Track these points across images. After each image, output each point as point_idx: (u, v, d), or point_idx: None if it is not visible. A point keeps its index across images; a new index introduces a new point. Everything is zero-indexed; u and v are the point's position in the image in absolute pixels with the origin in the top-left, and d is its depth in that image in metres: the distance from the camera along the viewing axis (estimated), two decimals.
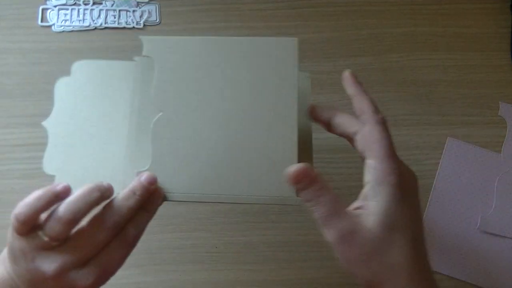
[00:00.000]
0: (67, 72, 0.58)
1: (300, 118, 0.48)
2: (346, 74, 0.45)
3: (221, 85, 0.47)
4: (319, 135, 0.56)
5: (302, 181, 0.40)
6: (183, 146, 0.46)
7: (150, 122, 0.47)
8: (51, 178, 0.47)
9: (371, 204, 0.39)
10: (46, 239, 0.38)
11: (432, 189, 0.54)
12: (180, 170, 0.46)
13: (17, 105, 0.57)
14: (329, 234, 0.38)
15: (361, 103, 0.43)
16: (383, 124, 0.42)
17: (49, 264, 0.38)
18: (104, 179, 0.43)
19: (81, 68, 0.52)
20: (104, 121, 0.49)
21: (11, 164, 0.55)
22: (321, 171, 0.54)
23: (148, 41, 0.48)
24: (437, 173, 0.55)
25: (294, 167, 0.40)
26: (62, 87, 0.51)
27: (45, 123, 0.50)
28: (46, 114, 0.56)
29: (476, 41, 0.60)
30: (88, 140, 0.49)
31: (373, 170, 0.40)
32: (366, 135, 0.41)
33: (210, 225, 0.53)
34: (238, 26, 0.60)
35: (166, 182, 0.45)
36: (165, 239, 0.52)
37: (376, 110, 0.42)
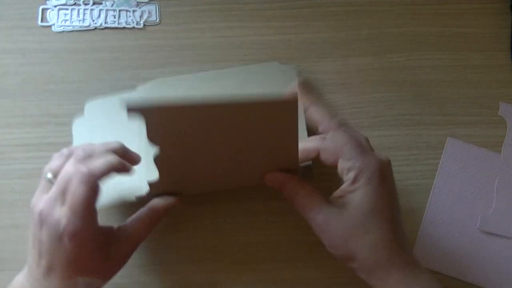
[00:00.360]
0: (67, 72, 0.58)
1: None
2: (296, 86, 0.48)
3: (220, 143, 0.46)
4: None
5: (275, 186, 0.46)
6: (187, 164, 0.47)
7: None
8: None
9: (350, 194, 0.43)
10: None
11: (432, 189, 0.54)
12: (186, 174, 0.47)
13: (17, 105, 0.57)
14: (312, 226, 0.44)
15: (315, 114, 0.47)
16: (344, 125, 0.45)
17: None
18: None
19: (92, 108, 0.55)
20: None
21: (11, 164, 0.55)
22: (321, 171, 0.55)
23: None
24: (437, 173, 0.55)
25: (267, 176, 0.46)
26: (79, 128, 0.54)
27: None
28: (46, 114, 0.56)
29: (476, 41, 0.60)
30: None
31: (349, 170, 0.44)
32: (330, 144, 0.45)
33: (210, 225, 0.53)
34: (238, 26, 0.60)
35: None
36: (165, 239, 0.52)
37: (332, 115, 0.46)
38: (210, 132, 0.43)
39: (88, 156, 0.44)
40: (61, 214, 0.41)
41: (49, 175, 0.44)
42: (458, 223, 0.53)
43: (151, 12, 0.61)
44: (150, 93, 0.55)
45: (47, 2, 0.60)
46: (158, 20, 0.60)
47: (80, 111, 0.56)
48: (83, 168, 0.42)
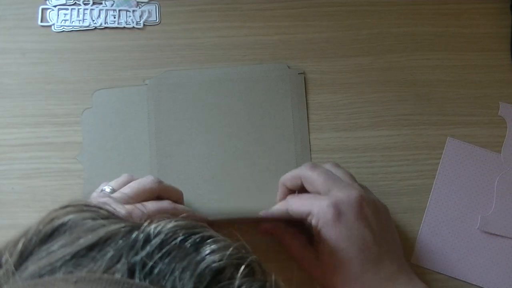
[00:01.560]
0: (67, 72, 0.58)
1: (295, 126, 0.51)
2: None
3: (220, 121, 0.49)
4: (318, 135, 0.56)
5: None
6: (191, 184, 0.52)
7: (167, 146, 0.51)
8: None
9: (318, 239, 0.47)
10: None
11: (432, 189, 0.54)
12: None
13: (17, 105, 0.57)
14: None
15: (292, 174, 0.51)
16: (291, 198, 0.50)
17: None
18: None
19: (101, 97, 0.57)
20: (128, 148, 0.54)
21: (11, 164, 0.55)
22: None
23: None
24: (437, 173, 0.55)
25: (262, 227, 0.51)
26: (87, 119, 0.56)
27: (79, 158, 0.54)
28: (45, 114, 0.56)
29: (476, 41, 0.60)
30: (117, 169, 0.54)
31: (310, 219, 0.47)
32: (307, 182, 0.49)
33: (209, 225, 0.53)
34: (238, 26, 0.60)
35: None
36: None
37: (282, 190, 0.51)
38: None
39: None
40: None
41: (109, 188, 0.48)
42: (458, 223, 0.53)
43: (151, 12, 0.61)
44: (161, 89, 0.57)
45: (47, 2, 0.60)
46: (158, 20, 0.60)
47: (79, 109, 0.56)
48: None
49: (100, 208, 0.28)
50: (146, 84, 0.57)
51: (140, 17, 0.60)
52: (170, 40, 0.59)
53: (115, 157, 0.55)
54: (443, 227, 0.53)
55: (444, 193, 0.54)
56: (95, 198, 0.47)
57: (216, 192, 0.53)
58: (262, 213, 0.51)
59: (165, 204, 0.47)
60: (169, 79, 0.57)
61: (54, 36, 0.59)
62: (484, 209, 0.54)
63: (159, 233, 0.26)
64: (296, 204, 0.48)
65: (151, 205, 0.46)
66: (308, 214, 0.47)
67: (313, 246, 0.48)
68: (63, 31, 0.60)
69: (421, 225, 0.53)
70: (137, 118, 0.56)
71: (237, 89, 0.57)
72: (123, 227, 0.26)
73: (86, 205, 0.28)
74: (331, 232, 0.45)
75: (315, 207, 0.46)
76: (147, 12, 0.61)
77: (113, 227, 0.26)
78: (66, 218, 0.27)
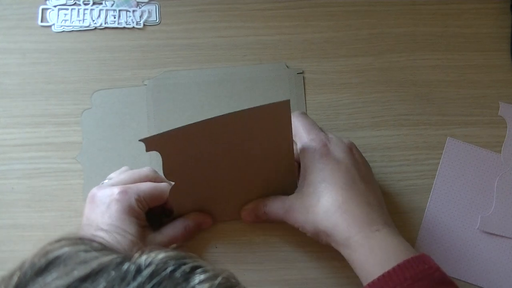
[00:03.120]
0: (67, 72, 0.58)
1: None
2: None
3: (224, 158, 0.50)
4: None
5: (253, 220, 0.51)
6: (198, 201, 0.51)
7: None
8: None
9: (302, 175, 0.47)
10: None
11: (432, 189, 0.54)
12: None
13: (17, 105, 0.57)
14: (286, 220, 0.48)
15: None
16: (297, 115, 0.50)
17: None
18: None
19: (100, 98, 0.57)
20: (128, 149, 0.53)
21: (11, 164, 0.55)
22: None
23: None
24: (437, 173, 0.55)
25: (242, 216, 0.51)
26: (87, 119, 0.56)
27: (79, 158, 0.54)
28: (45, 114, 0.56)
29: (476, 41, 0.60)
30: (117, 169, 0.53)
31: (299, 148, 0.48)
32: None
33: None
34: (238, 26, 0.60)
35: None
36: None
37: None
38: (216, 147, 0.46)
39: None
40: (114, 189, 0.46)
41: (107, 181, 0.49)
42: (458, 223, 0.53)
43: (151, 12, 0.61)
44: (160, 89, 0.57)
45: (47, 2, 0.60)
46: (158, 20, 0.60)
47: (79, 109, 0.56)
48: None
49: (93, 240, 0.29)
50: (145, 85, 0.57)
51: (140, 17, 0.60)
52: (170, 40, 0.59)
53: (115, 158, 0.55)
54: (443, 227, 0.53)
55: (444, 193, 0.54)
56: (99, 186, 0.48)
57: (213, 190, 0.52)
58: None
59: (147, 171, 0.49)
60: (168, 80, 0.57)
61: (54, 36, 0.59)
62: (484, 209, 0.54)
63: (150, 264, 0.26)
64: (297, 123, 0.49)
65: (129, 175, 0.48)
66: (299, 139, 0.48)
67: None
68: (63, 31, 0.60)
69: (421, 225, 0.53)
70: (137, 119, 0.56)
71: (236, 89, 0.57)
72: (115, 258, 0.27)
73: (79, 238, 0.29)
74: (318, 165, 0.46)
75: (306, 139, 0.48)
76: (147, 12, 0.61)
77: (105, 258, 0.27)
78: (60, 251, 0.27)
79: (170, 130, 0.43)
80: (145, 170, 0.50)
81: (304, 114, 0.51)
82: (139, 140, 0.43)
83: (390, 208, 0.52)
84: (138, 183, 0.48)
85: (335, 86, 0.58)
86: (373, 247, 0.42)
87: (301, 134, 0.49)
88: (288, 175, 0.50)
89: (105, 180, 0.50)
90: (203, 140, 0.45)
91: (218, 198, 0.51)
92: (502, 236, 0.53)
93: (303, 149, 0.48)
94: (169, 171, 0.46)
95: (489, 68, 0.59)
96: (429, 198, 0.54)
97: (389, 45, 0.60)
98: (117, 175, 0.50)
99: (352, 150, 0.48)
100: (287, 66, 0.58)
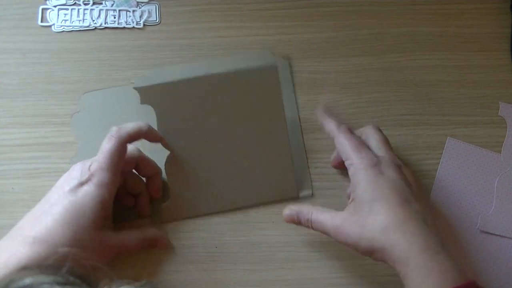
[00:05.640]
0: (67, 72, 0.58)
1: (286, 107, 0.53)
2: (319, 111, 0.53)
3: (217, 119, 0.51)
4: (318, 135, 0.56)
5: (293, 222, 0.50)
6: (194, 178, 0.53)
7: (155, 148, 0.52)
8: None
9: (354, 192, 0.46)
10: None
11: (432, 189, 0.54)
12: (196, 196, 0.53)
13: (17, 105, 0.57)
14: (333, 236, 0.46)
15: (326, 126, 0.51)
16: (344, 132, 0.49)
17: None
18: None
19: (88, 100, 0.57)
20: None
21: (11, 164, 0.55)
22: (321, 171, 0.55)
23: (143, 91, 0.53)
24: (437, 173, 0.55)
25: (284, 215, 0.50)
26: (77, 123, 0.56)
27: (72, 162, 0.53)
28: (45, 114, 0.56)
29: (476, 41, 0.60)
30: None
31: (348, 167, 0.48)
32: (338, 148, 0.50)
33: (210, 225, 0.53)
34: (238, 26, 0.60)
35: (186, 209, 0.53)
36: None
37: (337, 124, 0.50)
38: (207, 108, 0.50)
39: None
40: (87, 167, 0.46)
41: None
42: (458, 223, 0.53)
43: (151, 12, 0.61)
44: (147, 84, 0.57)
45: (47, 2, 0.60)
46: (158, 20, 0.60)
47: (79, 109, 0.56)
48: (112, 130, 0.47)
49: (57, 272, 0.28)
50: (133, 83, 0.56)
51: (140, 17, 0.60)
52: (170, 40, 0.59)
53: None
54: (443, 227, 0.53)
55: (444, 193, 0.54)
56: (77, 165, 0.48)
57: (210, 183, 0.53)
58: (321, 110, 0.52)
59: (142, 124, 0.49)
60: (156, 77, 0.56)
61: (54, 36, 0.59)
62: (484, 209, 0.54)
63: None
64: (344, 141, 0.48)
65: (130, 125, 0.48)
66: (348, 158, 0.48)
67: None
68: (63, 31, 0.60)
69: None
70: (127, 117, 0.55)
71: (224, 80, 0.56)
72: None
73: (42, 266, 0.28)
74: (372, 183, 0.45)
75: (357, 158, 0.47)
76: (147, 12, 0.61)
77: None
78: (21, 283, 0.26)
79: (163, 83, 0.48)
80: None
81: (349, 131, 0.50)
82: (133, 88, 0.46)
83: None
84: (124, 125, 0.48)
85: (335, 86, 0.58)
86: (432, 269, 0.42)
87: (349, 153, 0.48)
88: (283, 148, 0.52)
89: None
90: (194, 98, 0.48)
91: (213, 177, 0.52)
92: (502, 236, 0.53)
93: (354, 168, 0.47)
94: (163, 127, 0.48)
95: (489, 68, 0.59)
96: (429, 198, 0.54)
97: (389, 45, 0.60)
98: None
99: (402, 170, 0.47)
100: (272, 53, 0.58)
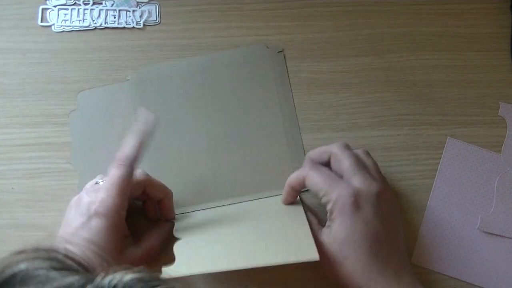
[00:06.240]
0: (67, 72, 0.58)
1: (281, 103, 0.53)
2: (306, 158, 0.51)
3: (207, 108, 0.52)
4: (318, 135, 0.56)
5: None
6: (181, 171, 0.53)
7: (157, 139, 0.53)
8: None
9: (330, 226, 0.46)
10: None
11: (432, 189, 0.54)
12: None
13: (17, 105, 0.57)
14: None
15: (294, 178, 0.49)
16: (311, 169, 0.48)
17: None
18: None
19: (85, 98, 0.57)
20: (118, 145, 0.54)
21: (11, 164, 0.55)
22: None
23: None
24: (437, 173, 0.55)
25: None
26: (74, 121, 0.56)
27: (71, 160, 0.54)
28: (45, 114, 0.56)
29: (476, 41, 0.60)
30: (109, 165, 0.53)
31: (325, 203, 0.46)
32: (310, 187, 0.48)
33: None
34: (238, 26, 0.60)
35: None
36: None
37: (298, 171, 0.49)
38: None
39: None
40: (96, 196, 0.45)
41: (101, 181, 0.48)
42: (458, 223, 0.53)
43: (151, 12, 0.61)
44: (143, 83, 0.57)
45: (47, 2, 0.60)
46: (158, 20, 0.60)
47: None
48: (119, 156, 0.46)
49: (54, 255, 0.27)
50: (128, 80, 0.57)
51: (140, 17, 0.60)
52: (170, 40, 0.59)
53: (106, 156, 0.54)
54: (443, 227, 0.53)
55: (444, 193, 0.54)
56: (88, 190, 0.47)
57: (208, 179, 0.53)
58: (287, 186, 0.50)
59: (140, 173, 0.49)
60: (151, 73, 0.57)
61: (54, 36, 0.59)
62: (484, 209, 0.54)
63: (114, 287, 0.25)
64: (317, 179, 0.47)
65: (134, 149, 0.47)
66: (325, 194, 0.46)
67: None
68: (63, 31, 0.60)
69: (421, 225, 0.53)
70: (124, 114, 0.56)
71: (220, 75, 0.57)
72: (76, 280, 0.25)
73: (42, 250, 0.27)
74: (346, 222, 0.44)
75: (334, 193, 0.45)
76: (147, 12, 0.61)
77: (66, 280, 0.25)
78: (16, 268, 0.26)
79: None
80: (136, 175, 0.48)
81: (315, 167, 0.48)
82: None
83: None
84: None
85: (335, 86, 0.58)
86: None
87: (325, 188, 0.46)
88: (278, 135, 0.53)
89: (99, 179, 0.49)
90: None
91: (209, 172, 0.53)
92: (502, 236, 0.53)
93: (332, 204, 0.46)
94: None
95: (489, 68, 0.59)
96: (429, 198, 0.54)
97: (389, 45, 0.60)
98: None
99: (381, 199, 0.46)
100: (267, 47, 0.58)
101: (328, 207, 0.46)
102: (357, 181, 0.46)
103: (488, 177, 0.55)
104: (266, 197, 0.52)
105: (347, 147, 0.49)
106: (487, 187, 0.54)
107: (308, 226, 0.46)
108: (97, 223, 0.43)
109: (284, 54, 0.59)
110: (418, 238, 0.53)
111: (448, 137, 0.56)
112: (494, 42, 0.60)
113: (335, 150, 0.48)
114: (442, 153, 0.56)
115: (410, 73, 0.59)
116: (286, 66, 0.58)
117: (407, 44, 0.60)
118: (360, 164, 0.47)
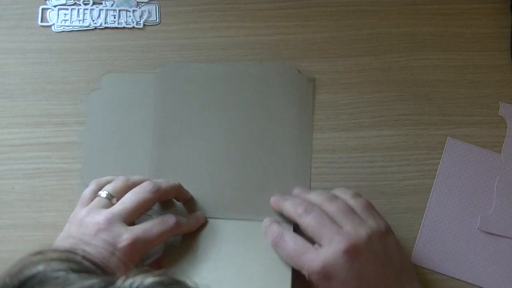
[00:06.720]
0: (67, 72, 0.58)
1: (300, 130, 0.52)
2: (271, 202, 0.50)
3: (224, 117, 0.55)
4: (319, 135, 0.56)
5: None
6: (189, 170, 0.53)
7: (171, 136, 0.52)
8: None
9: (322, 249, 0.43)
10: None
11: (432, 189, 0.54)
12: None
13: (17, 105, 0.57)
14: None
15: (285, 211, 0.48)
16: (306, 212, 0.45)
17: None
18: None
19: (110, 81, 0.57)
20: (131, 134, 0.54)
21: (11, 164, 0.55)
22: (321, 171, 0.55)
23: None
24: (437, 173, 0.55)
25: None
26: (94, 100, 0.56)
27: (81, 137, 0.55)
28: (45, 114, 0.56)
29: (476, 41, 0.60)
30: (118, 153, 0.54)
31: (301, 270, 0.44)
32: (305, 231, 0.46)
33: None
34: (238, 26, 0.60)
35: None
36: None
37: (294, 205, 0.47)
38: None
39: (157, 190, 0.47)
40: (123, 230, 0.43)
41: (106, 194, 0.46)
42: (458, 223, 0.53)
43: (151, 12, 0.61)
44: (169, 79, 0.57)
45: (47, 2, 0.60)
46: (158, 20, 0.60)
47: (79, 109, 0.56)
48: (151, 184, 0.46)
49: (72, 257, 0.27)
50: (156, 73, 0.57)
51: (140, 17, 0.60)
52: (170, 40, 0.59)
53: (117, 141, 0.55)
54: (443, 227, 0.53)
55: (444, 193, 0.54)
56: (92, 208, 0.45)
57: (212, 186, 0.53)
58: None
59: (177, 184, 0.49)
60: (179, 70, 0.57)
61: (54, 36, 0.59)
62: (484, 209, 0.54)
63: None
64: (289, 248, 0.45)
65: (169, 184, 0.47)
66: (298, 266, 0.44)
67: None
68: (63, 31, 0.60)
69: (421, 225, 0.53)
70: (143, 105, 0.56)
71: (244, 88, 0.57)
72: (96, 283, 0.25)
73: (61, 251, 0.27)
74: (343, 261, 0.42)
75: (305, 267, 0.43)
76: (147, 12, 0.61)
77: (86, 283, 0.25)
78: (35, 270, 0.25)
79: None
80: (147, 193, 0.46)
81: (307, 208, 0.46)
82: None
83: (390, 208, 0.52)
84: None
85: (335, 86, 0.58)
86: None
87: (321, 234, 0.44)
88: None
89: (101, 192, 0.47)
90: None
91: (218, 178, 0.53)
92: (502, 236, 0.53)
93: (305, 273, 0.44)
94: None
95: (489, 68, 0.59)
96: (429, 198, 0.54)
97: (389, 45, 0.60)
98: (115, 191, 0.47)
99: (353, 258, 0.43)
100: (299, 71, 0.58)
101: (306, 276, 0.44)
102: (324, 247, 0.43)
103: (488, 177, 0.55)
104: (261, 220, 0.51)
105: (307, 206, 0.46)
106: (487, 187, 0.54)
107: (290, 273, 0.46)
108: (122, 258, 0.42)
109: (314, 84, 0.58)
110: (418, 238, 0.53)
111: (448, 137, 0.56)
112: (494, 42, 0.60)
113: (296, 216, 0.46)
114: (442, 153, 0.56)
115: (410, 73, 0.59)
116: (314, 96, 0.57)
117: (407, 44, 0.60)
118: (323, 222, 0.44)
